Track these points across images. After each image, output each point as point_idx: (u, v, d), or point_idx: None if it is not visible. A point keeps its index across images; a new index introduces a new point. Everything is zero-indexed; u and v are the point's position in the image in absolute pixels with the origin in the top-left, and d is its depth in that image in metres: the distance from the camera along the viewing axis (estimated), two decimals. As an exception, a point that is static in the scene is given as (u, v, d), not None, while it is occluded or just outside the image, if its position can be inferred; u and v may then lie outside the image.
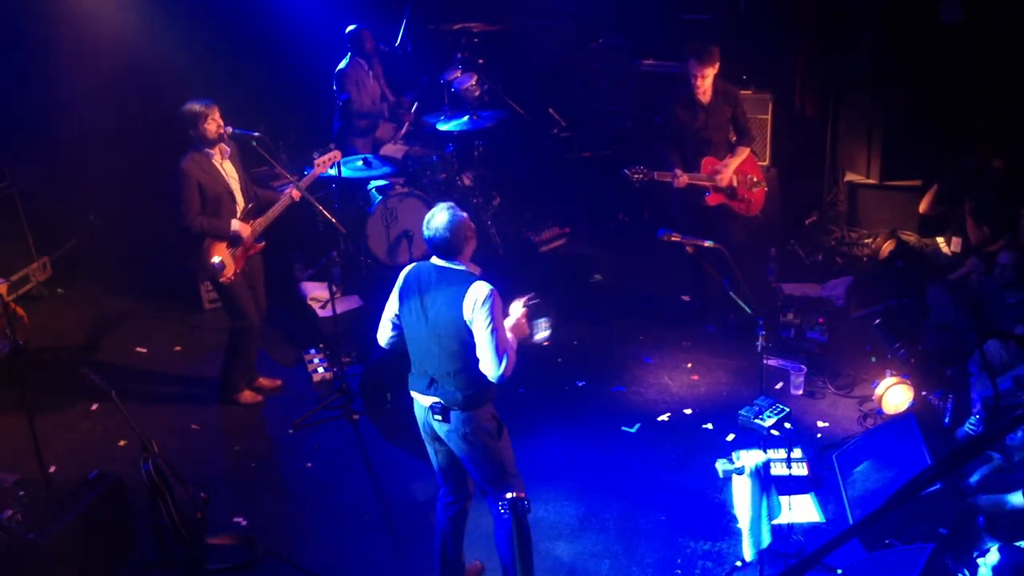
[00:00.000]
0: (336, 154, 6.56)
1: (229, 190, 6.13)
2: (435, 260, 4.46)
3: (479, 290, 4.26)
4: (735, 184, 6.91)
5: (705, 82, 6.71)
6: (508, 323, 4.46)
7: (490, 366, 4.27)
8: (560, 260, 8.58)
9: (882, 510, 2.11)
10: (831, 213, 8.80)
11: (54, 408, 6.54)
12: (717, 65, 6.71)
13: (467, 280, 4.32)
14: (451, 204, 4.43)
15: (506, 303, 4.59)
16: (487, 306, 4.23)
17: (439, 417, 4.46)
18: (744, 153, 6.98)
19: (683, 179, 6.71)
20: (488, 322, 4.23)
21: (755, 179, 7.05)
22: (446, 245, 4.36)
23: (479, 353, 4.29)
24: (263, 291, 6.56)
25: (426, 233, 4.40)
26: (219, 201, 6.07)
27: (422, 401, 4.55)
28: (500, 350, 4.26)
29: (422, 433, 4.68)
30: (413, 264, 4.58)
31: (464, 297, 4.26)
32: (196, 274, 6.46)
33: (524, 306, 4.55)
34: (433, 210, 4.42)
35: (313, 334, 7.47)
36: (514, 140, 9.36)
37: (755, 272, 7.38)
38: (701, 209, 6.90)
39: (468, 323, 4.28)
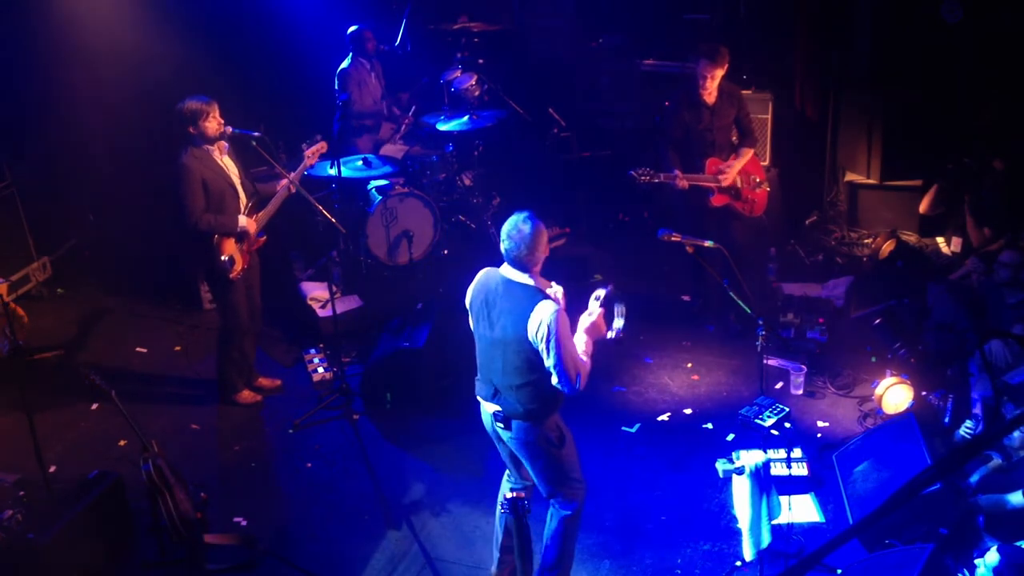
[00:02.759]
0: (323, 145, 6.52)
1: (232, 185, 6.10)
2: (504, 271, 4.40)
3: (544, 311, 4.21)
4: (739, 185, 6.91)
5: (713, 83, 6.70)
6: (584, 323, 4.44)
7: (563, 383, 4.27)
8: (560, 260, 8.57)
9: (882, 510, 2.11)
10: (831, 213, 8.80)
11: (54, 408, 6.54)
12: (726, 66, 6.71)
13: (533, 298, 4.27)
14: (529, 214, 4.35)
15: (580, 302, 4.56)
16: (553, 327, 4.18)
17: (501, 425, 4.48)
18: (748, 154, 6.98)
19: (682, 181, 6.70)
20: (555, 344, 4.20)
21: (758, 179, 7.05)
22: (522, 258, 4.32)
23: (551, 370, 4.27)
24: (259, 290, 6.55)
25: (504, 244, 4.33)
26: (223, 196, 6.04)
27: (486, 407, 4.56)
28: (571, 368, 4.26)
29: (489, 433, 4.68)
30: (485, 270, 4.53)
31: (530, 317, 4.22)
32: (199, 273, 6.42)
33: (601, 304, 4.48)
34: (513, 220, 4.34)
35: (313, 334, 7.47)
36: (514, 140, 9.36)
37: (755, 272, 7.38)
38: (705, 210, 6.89)
39: (533, 343, 4.24)
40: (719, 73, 6.68)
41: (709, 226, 6.67)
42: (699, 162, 6.85)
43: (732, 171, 6.86)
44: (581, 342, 4.42)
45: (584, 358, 4.38)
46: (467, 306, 4.57)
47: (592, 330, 4.45)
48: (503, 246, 4.35)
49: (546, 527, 4.75)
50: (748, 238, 7.17)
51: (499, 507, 4.85)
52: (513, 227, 4.32)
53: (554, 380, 4.28)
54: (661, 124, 7.14)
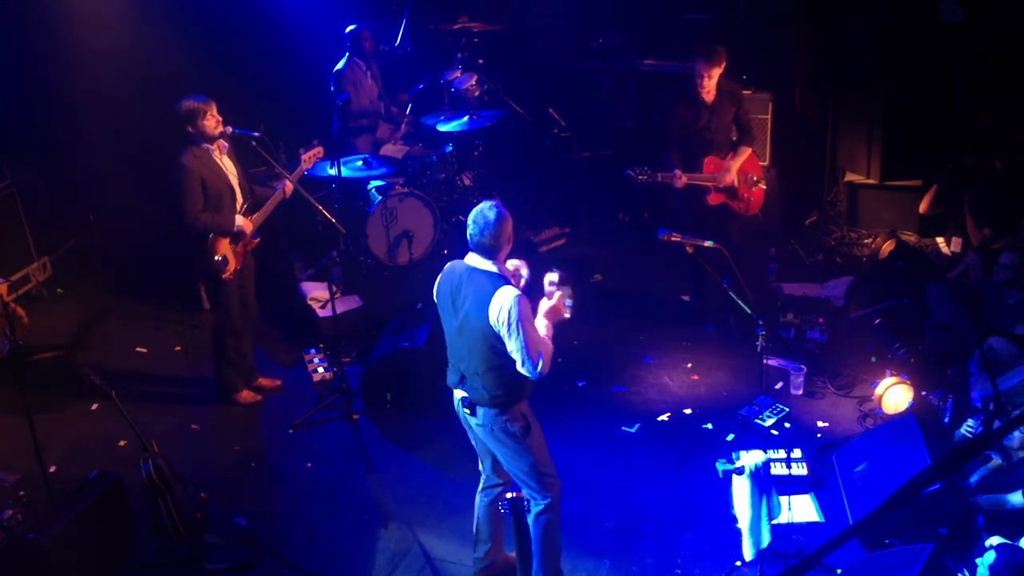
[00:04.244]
0: (319, 150, 6.55)
1: (230, 185, 6.12)
2: (469, 259, 4.45)
3: (504, 296, 4.25)
4: (736, 184, 6.93)
5: (711, 82, 6.72)
6: (544, 308, 4.48)
7: (526, 368, 4.31)
8: (560, 260, 8.58)
9: (882, 510, 2.11)
10: (831, 213, 8.80)
11: (54, 408, 6.54)
12: (723, 65, 6.73)
13: (494, 284, 4.31)
14: (495, 203, 4.41)
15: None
16: (514, 312, 4.22)
17: (467, 410, 4.54)
18: (746, 152, 7.00)
19: (683, 179, 6.72)
20: (516, 328, 4.23)
21: (755, 178, 7.06)
22: (485, 245, 4.36)
23: (513, 355, 4.31)
24: (253, 291, 6.55)
25: (469, 229, 4.39)
26: (220, 196, 6.05)
27: (456, 394, 4.62)
28: (533, 352, 4.29)
29: (460, 420, 4.72)
30: (451, 262, 4.59)
31: (490, 302, 4.27)
32: (200, 274, 6.43)
33: (557, 286, 4.51)
34: (480, 207, 4.40)
35: (313, 334, 7.47)
36: (514, 140, 9.36)
37: (755, 272, 7.38)
38: (702, 208, 6.90)
39: (495, 328, 4.28)
40: (716, 72, 6.70)
41: (706, 224, 6.68)
42: (698, 161, 6.87)
43: (731, 171, 6.88)
44: (542, 326, 4.47)
45: (547, 342, 4.42)
46: (434, 298, 4.62)
47: (551, 313, 4.50)
48: (468, 232, 4.41)
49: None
50: (745, 237, 7.17)
51: (477, 497, 4.89)
52: (479, 213, 4.38)
53: (518, 365, 4.32)
54: (661, 125, 7.15)
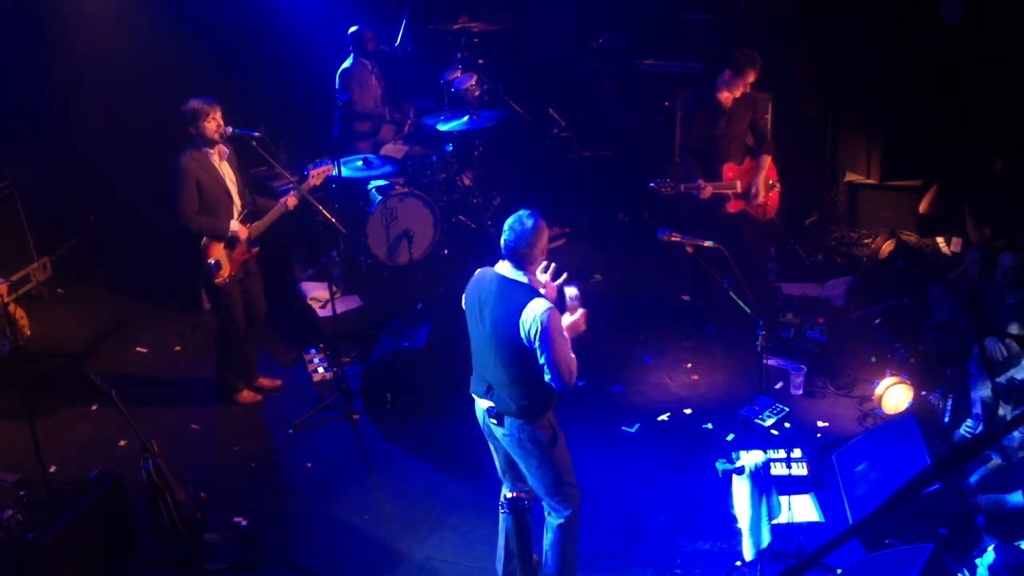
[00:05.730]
0: (328, 168, 6.55)
1: (227, 190, 6.12)
2: (500, 267, 4.42)
3: (536, 308, 4.22)
4: (759, 191, 6.89)
5: (747, 89, 6.71)
6: (566, 322, 4.46)
7: (555, 380, 4.29)
8: (560, 260, 8.55)
9: (882, 510, 2.11)
10: (831, 213, 8.80)
11: (54, 408, 6.55)
12: None
13: (526, 296, 4.28)
14: (532, 212, 4.38)
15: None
16: (546, 325, 4.19)
17: (494, 421, 4.51)
18: (768, 162, 6.96)
19: (708, 190, 6.70)
20: (548, 341, 4.21)
21: (771, 181, 7.05)
22: (520, 253, 4.33)
23: (544, 367, 4.28)
24: (261, 296, 6.54)
25: (505, 235, 4.35)
26: (217, 200, 6.06)
27: (480, 404, 4.58)
28: (564, 366, 4.27)
29: (482, 430, 4.69)
30: (480, 269, 4.55)
31: (522, 314, 4.23)
32: (198, 277, 6.44)
33: (580, 303, 4.51)
34: (517, 214, 4.37)
35: (313, 334, 7.47)
36: (514, 140, 9.36)
37: (755, 272, 7.38)
38: (719, 215, 6.87)
39: (524, 340, 4.25)
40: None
41: (721, 230, 6.64)
42: (717, 168, 6.84)
43: (761, 189, 6.85)
44: (565, 340, 4.44)
45: (571, 355, 4.40)
46: (463, 305, 4.60)
47: (572, 327, 4.48)
48: (503, 238, 4.37)
49: (544, 537, 4.75)
50: (757, 240, 7.18)
51: (501, 510, 4.85)
52: (516, 220, 4.35)
53: (547, 376, 4.30)
54: (677, 130, 7.11)
